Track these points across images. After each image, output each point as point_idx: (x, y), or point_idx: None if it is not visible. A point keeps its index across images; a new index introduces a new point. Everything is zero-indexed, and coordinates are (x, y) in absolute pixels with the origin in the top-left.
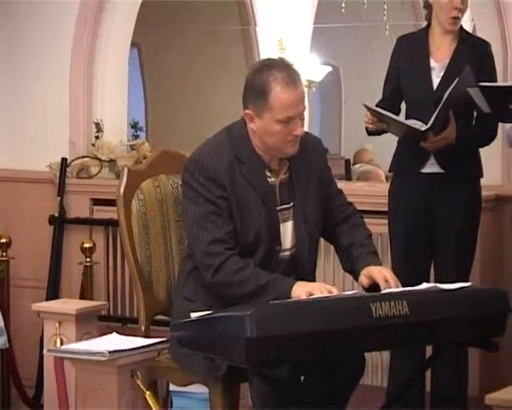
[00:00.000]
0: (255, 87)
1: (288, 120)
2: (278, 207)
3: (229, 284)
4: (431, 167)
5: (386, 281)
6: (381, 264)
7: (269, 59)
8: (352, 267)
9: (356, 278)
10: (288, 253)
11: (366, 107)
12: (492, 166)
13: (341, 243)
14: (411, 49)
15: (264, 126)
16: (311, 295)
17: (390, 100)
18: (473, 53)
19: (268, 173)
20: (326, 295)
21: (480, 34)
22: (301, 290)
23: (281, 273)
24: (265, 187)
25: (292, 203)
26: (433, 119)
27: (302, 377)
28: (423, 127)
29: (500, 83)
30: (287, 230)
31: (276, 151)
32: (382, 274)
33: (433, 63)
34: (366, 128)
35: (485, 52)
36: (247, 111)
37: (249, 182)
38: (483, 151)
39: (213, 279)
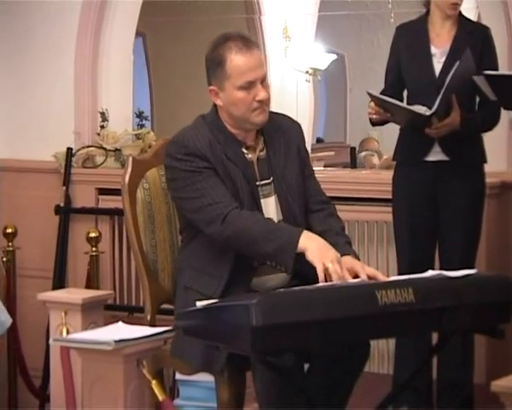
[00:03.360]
0: (213, 60)
1: (248, 86)
2: (258, 183)
3: (237, 231)
4: (435, 155)
5: (373, 278)
6: (357, 256)
7: (224, 33)
8: None
9: None
10: None
11: (370, 94)
12: (497, 153)
13: (314, 228)
14: (411, 36)
15: (227, 97)
16: (324, 266)
17: (392, 89)
18: (473, 38)
19: (245, 150)
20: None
21: (484, 21)
22: (316, 256)
23: None
24: (245, 162)
25: (271, 179)
26: (437, 103)
27: (306, 365)
28: (428, 112)
29: (505, 72)
30: (268, 205)
31: (245, 122)
32: (366, 271)
33: (433, 49)
34: (370, 119)
35: (485, 37)
36: (210, 87)
37: (229, 158)
38: (488, 138)
39: (222, 227)
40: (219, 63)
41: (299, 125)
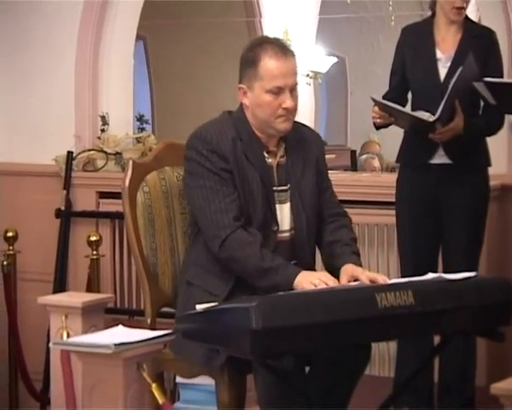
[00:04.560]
0: (247, 59)
1: (277, 91)
2: (275, 188)
3: (233, 259)
4: (439, 158)
5: (373, 281)
6: (361, 265)
7: (264, 36)
8: (332, 264)
9: (335, 275)
10: (286, 234)
11: (373, 100)
12: (498, 156)
13: (325, 238)
14: (416, 39)
15: (255, 98)
16: (315, 286)
17: (397, 91)
18: (478, 42)
19: (266, 154)
20: (330, 286)
21: (484, 23)
22: (305, 282)
23: (281, 255)
24: (264, 166)
25: (288, 185)
26: (440, 109)
27: (307, 368)
28: (431, 118)
29: (505, 79)
30: (284, 211)
31: (268, 127)
32: (366, 274)
33: (439, 54)
34: (374, 123)
35: (490, 41)
36: (240, 85)
37: (249, 160)
38: (489, 141)
39: (220, 251)
40: (253, 63)
41: (320, 139)
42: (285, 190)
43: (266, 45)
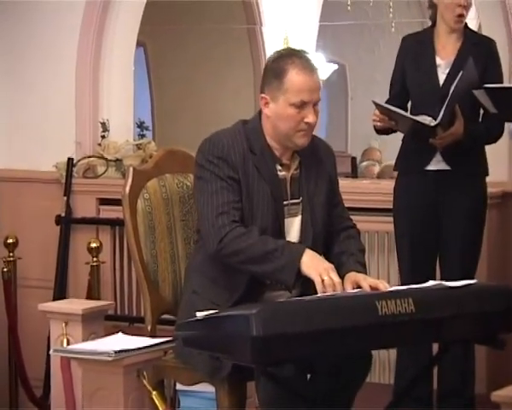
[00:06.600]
0: (273, 70)
1: (301, 105)
2: (287, 202)
3: (236, 252)
4: (437, 164)
5: (374, 288)
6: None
7: (292, 48)
8: (338, 274)
9: None
10: None
11: (375, 103)
12: (499, 163)
13: (333, 250)
14: (417, 48)
15: (277, 110)
16: (322, 279)
17: (397, 100)
18: (478, 50)
19: (279, 167)
20: (334, 290)
21: (485, 32)
22: (313, 269)
23: None
24: (275, 180)
25: (301, 198)
26: (441, 113)
27: (308, 375)
28: (433, 122)
29: (505, 84)
30: (294, 225)
31: (288, 140)
32: (368, 281)
33: (438, 60)
34: (374, 126)
35: (490, 49)
36: (262, 95)
37: (261, 173)
38: (489, 149)
39: (218, 247)
40: (279, 74)
41: (333, 153)
42: (297, 204)
43: (294, 58)
